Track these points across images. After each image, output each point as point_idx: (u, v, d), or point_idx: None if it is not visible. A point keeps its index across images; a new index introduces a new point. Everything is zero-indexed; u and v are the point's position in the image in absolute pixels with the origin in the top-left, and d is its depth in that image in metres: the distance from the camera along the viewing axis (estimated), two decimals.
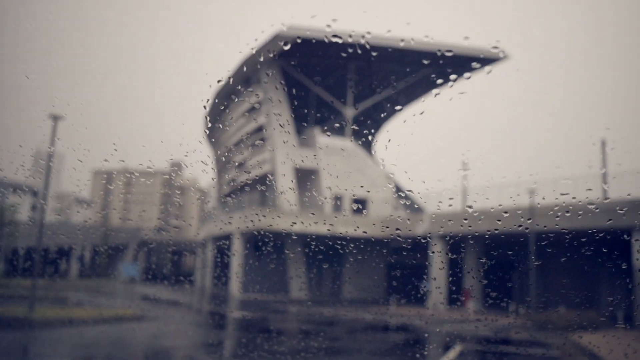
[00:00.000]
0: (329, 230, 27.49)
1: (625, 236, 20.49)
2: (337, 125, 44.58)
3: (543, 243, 20.69)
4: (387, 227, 29.52)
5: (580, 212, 13.09)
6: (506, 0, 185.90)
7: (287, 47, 32.97)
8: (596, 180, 23.39)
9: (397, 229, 29.57)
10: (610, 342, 14.20)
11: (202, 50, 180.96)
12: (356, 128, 44.62)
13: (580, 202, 12.77)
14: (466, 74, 34.79)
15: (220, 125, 44.85)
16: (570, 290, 25.03)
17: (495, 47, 36.62)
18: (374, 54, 31.72)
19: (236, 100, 42.64)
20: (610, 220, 14.13)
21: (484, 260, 30.16)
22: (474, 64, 36.72)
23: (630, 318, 21.07)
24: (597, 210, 13.69)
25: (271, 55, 35.69)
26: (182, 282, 47.25)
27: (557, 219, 12.61)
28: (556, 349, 15.76)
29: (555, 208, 13.58)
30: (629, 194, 14.04)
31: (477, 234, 25.17)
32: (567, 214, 12.01)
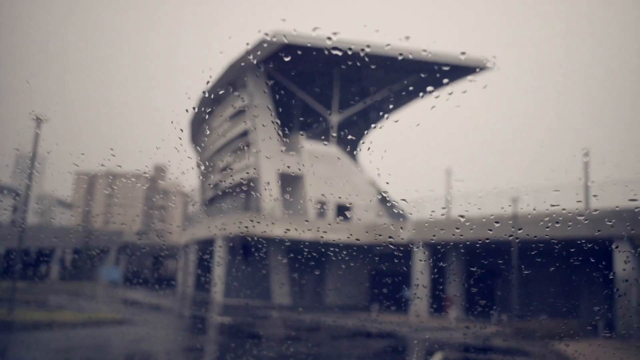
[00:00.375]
0: (314, 236, 27.45)
1: (611, 246, 20.78)
2: (322, 131, 44.61)
3: (532, 252, 20.92)
4: (373, 234, 29.58)
5: (570, 223, 13.25)
6: (501, 12, 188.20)
7: (273, 52, 32.96)
8: (589, 190, 23.72)
9: (382, 236, 29.60)
10: (596, 351, 14.34)
11: (189, 54, 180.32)
12: (342, 134, 44.71)
13: (570, 213, 12.94)
14: (457, 83, 35.12)
15: (205, 129, 44.62)
16: (557, 300, 25.27)
17: (491, 57, 37.00)
18: (367, 60, 31.87)
19: (221, 104, 42.48)
20: (599, 231, 14.33)
21: (469, 269, 30.32)
22: (467, 74, 37.01)
23: (616, 327, 21.34)
24: (586, 221, 13.83)
25: (257, 60, 35.64)
26: (165, 286, 46.80)
27: (548, 229, 12.76)
28: (540, 357, 15.88)
29: (546, 219, 13.75)
30: (617, 207, 14.28)
31: (464, 242, 25.33)
32: (557, 225, 12.17)
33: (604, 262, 21.04)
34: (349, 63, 36.79)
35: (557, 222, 12.18)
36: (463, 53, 28.87)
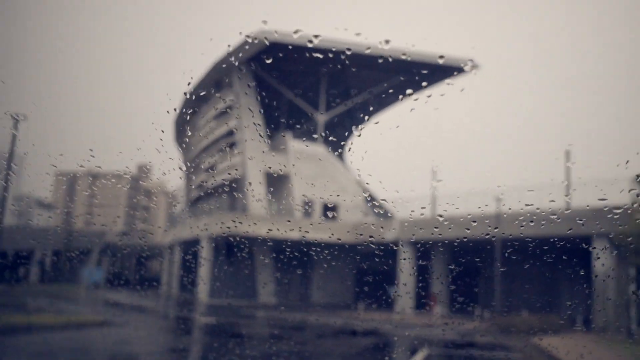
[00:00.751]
0: (299, 235, 27.50)
1: (584, 244, 21.22)
2: (307, 131, 44.63)
3: (509, 250, 21.26)
4: (358, 233, 29.74)
5: (543, 222, 13.55)
6: (482, 14, 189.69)
7: (257, 53, 32.92)
8: (560, 190, 24.16)
9: (368, 235, 29.83)
10: (569, 344, 14.62)
11: (174, 51, 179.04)
12: (327, 134, 44.78)
13: (543, 212, 13.16)
14: (439, 84, 35.37)
15: (190, 128, 44.41)
16: (533, 295, 25.69)
17: (469, 61, 37.32)
18: (349, 62, 31.98)
19: (206, 104, 42.30)
20: (570, 229, 14.64)
21: (452, 267, 30.62)
22: (448, 76, 37.30)
23: (588, 321, 21.85)
24: (559, 220, 14.14)
25: (241, 60, 35.57)
26: (148, 287, 46.46)
27: (522, 227, 13.03)
28: (518, 351, 16.12)
29: (521, 218, 14.03)
30: (587, 206, 14.58)
31: (446, 240, 25.60)
32: (532, 223, 12.45)
33: (580, 260, 21.50)
34: (332, 64, 36.97)
35: (532, 222, 12.45)
36: (441, 57, 29.08)
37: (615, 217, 16.16)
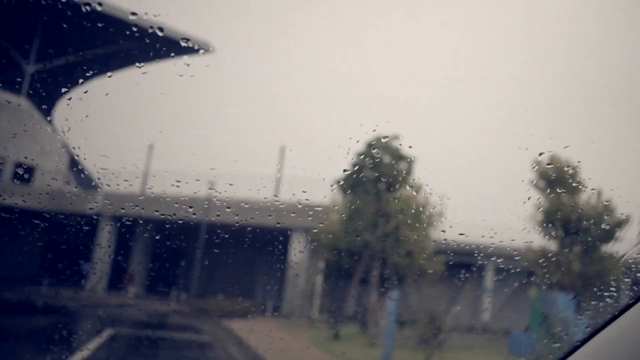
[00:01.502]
0: None
1: (284, 236, 23.27)
2: (12, 79, 38.91)
3: (214, 235, 21.82)
4: (56, 202, 27.01)
5: (253, 211, 14.20)
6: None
7: None
8: (271, 183, 25.98)
9: (66, 205, 27.29)
10: (255, 327, 15.73)
11: None
12: (37, 88, 39.68)
13: (251, 202, 13.81)
14: (173, 60, 34.47)
15: None
16: (232, 281, 27.06)
17: (207, 43, 37.25)
18: (76, 14, 28.69)
19: None
20: (274, 221, 15.69)
21: (154, 247, 30.16)
22: (184, 53, 36.56)
23: (278, 308, 24.07)
24: (265, 211, 15.05)
25: None
26: None
27: (229, 214, 13.47)
28: (208, 333, 16.65)
29: (233, 204, 14.47)
30: (291, 201, 15.89)
31: (151, 219, 25.02)
32: (239, 212, 12.95)
33: (279, 250, 23.55)
34: (57, 13, 32.81)
35: (240, 209, 13.04)
36: (185, 39, 28.45)
37: (313, 213, 18.10)
